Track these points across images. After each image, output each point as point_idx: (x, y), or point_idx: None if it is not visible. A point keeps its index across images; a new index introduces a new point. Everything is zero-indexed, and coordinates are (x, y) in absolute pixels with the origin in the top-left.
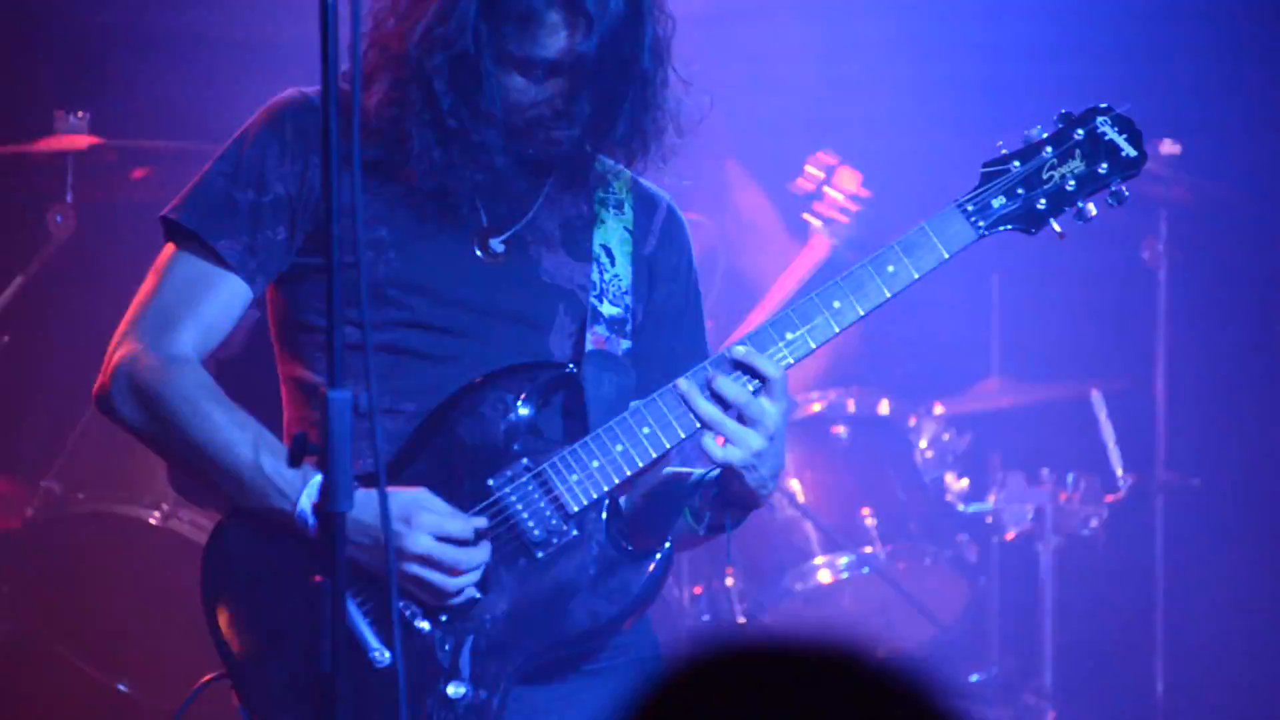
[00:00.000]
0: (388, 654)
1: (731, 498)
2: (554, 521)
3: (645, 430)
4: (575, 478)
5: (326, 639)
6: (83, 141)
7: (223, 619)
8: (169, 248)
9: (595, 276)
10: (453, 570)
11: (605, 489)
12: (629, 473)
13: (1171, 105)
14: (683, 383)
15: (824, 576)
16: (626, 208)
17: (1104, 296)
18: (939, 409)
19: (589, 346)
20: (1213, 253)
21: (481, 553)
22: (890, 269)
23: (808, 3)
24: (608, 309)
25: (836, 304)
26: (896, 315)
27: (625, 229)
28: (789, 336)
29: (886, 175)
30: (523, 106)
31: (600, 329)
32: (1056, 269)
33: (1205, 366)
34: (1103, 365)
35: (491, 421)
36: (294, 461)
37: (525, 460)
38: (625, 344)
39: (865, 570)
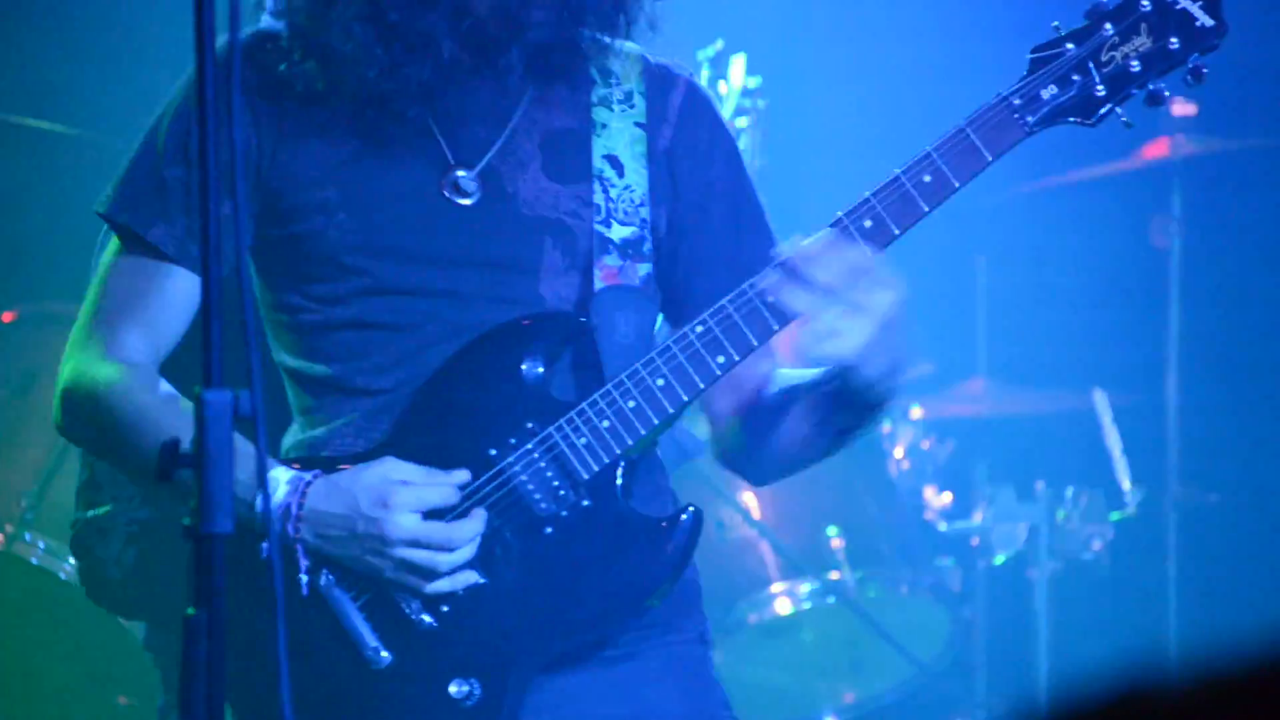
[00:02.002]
0: (386, 653)
1: (846, 397)
2: (563, 492)
3: (660, 382)
4: (584, 441)
5: (200, 686)
6: None
7: None
8: (111, 245)
9: (599, 198)
10: (444, 547)
11: (617, 451)
12: (643, 432)
13: None
14: (777, 268)
15: (783, 606)
16: (636, 97)
17: (1107, 284)
18: (917, 413)
19: (598, 284)
20: (1234, 234)
21: (474, 523)
22: (927, 179)
23: None
24: (618, 231)
25: (868, 223)
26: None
27: (636, 124)
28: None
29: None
30: None
31: (610, 259)
32: (1051, 252)
33: (1225, 366)
34: (1106, 363)
35: (493, 384)
36: (161, 475)
37: (530, 424)
38: (644, 268)
39: (831, 600)
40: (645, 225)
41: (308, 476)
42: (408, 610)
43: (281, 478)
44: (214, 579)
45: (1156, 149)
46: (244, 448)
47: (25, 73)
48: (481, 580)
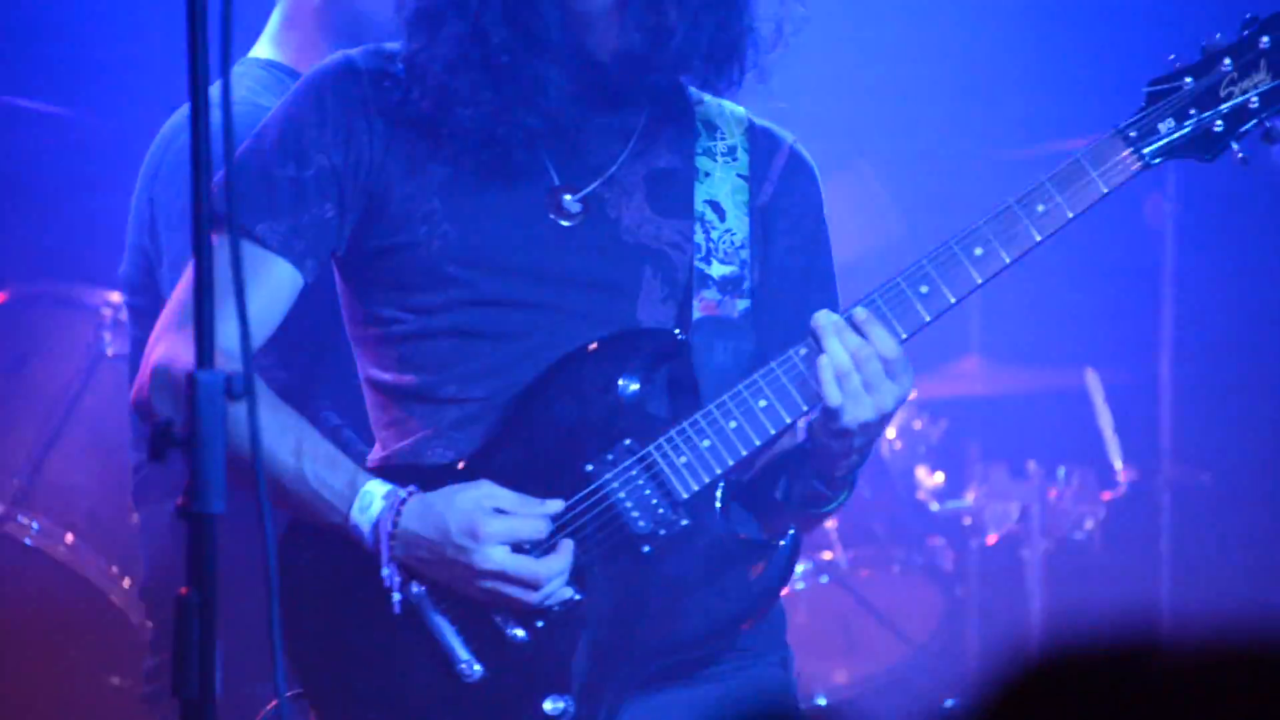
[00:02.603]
0: (478, 666)
1: (819, 463)
2: (661, 510)
3: (762, 404)
4: (684, 460)
5: (193, 663)
6: None
7: (296, 634)
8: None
9: (700, 237)
10: (532, 584)
11: (718, 471)
12: (744, 453)
13: (1178, 34)
14: (821, 316)
15: None
16: (740, 153)
17: (1101, 263)
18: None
19: (696, 314)
20: (1228, 211)
21: (562, 558)
22: (1040, 208)
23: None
24: (718, 269)
25: (979, 250)
26: (856, 283)
27: (739, 176)
28: (923, 290)
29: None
30: (602, 30)
31: (710, 293)
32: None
33: (1218, 345)
34: (1099, 342)
35: (590, 399)
36: (155, 455)
37: (628, 441)
38: (743, 304)
39: (824, 579)
40: (745, 266)
41: (402, 494)
42: (500, 623)
43: (377, 492)
44: (206, 558)
45: None
46: (333, 454)
47: (18, 53)
48: (577, 597)
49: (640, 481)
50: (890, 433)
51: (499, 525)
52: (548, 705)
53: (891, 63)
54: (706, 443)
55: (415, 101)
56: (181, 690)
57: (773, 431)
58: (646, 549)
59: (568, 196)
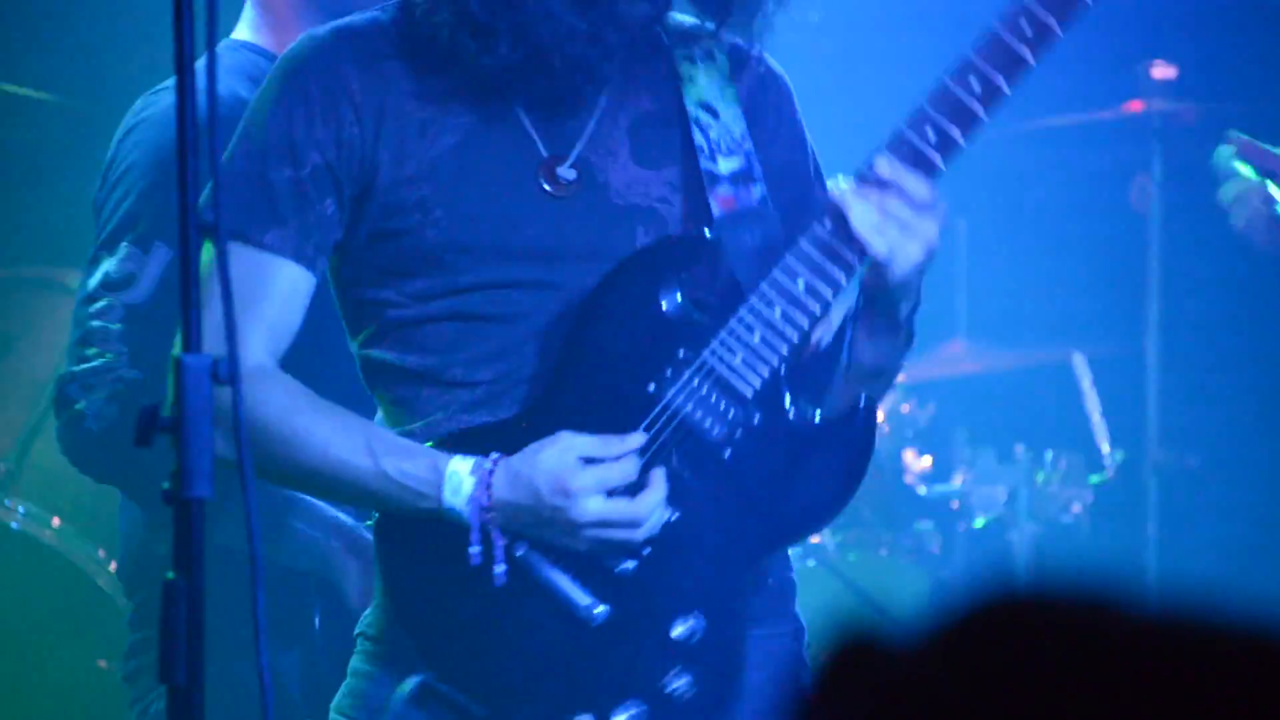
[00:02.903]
0: (602, 607)
1: (877, 314)
2: (732, 413)
3: (801, 284)
4: (740, 358)
5: (180, 648)
6: None
7: (416, 620)
8: (209, 248)
9: (700, 139)
10: (633, 525)
11: (775, 361)
12: (795, 337)
13: (1164, 24)
14: (834, 186)
15: None
16: (718, 54)
17: (1088, 247)
18: (897, 376)
19: (716, 212)
20: (1214, 195)
21: (657, 491)
22: (1026, 26)
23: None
24: (725, 165)
25: (975, 82)
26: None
27: (724, 76)
28: (930, 136)
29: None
30: None
31: (723, 189)
32: (1032, 216)
33: (1205, 328)
34: (1086, 326)
35: (635, 319)
36: (141, 440)
37: (682, 353)
38: (758, 189)
39: (810, 563)
40: (750, 156)
41: (488, 465)
42: (608, 562)
43: (463, 470)
44: (193, 544)
45: (1135, 107)
46: (400, 441)
47: (4, 39)
48: (674, 516)
49: (704, 390)
50: (878, 416)
51: (589, 478)
52: (678, 630)
53: (866, 37)
54: (756, 335)
55: (495, 48)
56: (168, 677)
57: (817, 310)
58: (728, 453)
59: (560, 167)
